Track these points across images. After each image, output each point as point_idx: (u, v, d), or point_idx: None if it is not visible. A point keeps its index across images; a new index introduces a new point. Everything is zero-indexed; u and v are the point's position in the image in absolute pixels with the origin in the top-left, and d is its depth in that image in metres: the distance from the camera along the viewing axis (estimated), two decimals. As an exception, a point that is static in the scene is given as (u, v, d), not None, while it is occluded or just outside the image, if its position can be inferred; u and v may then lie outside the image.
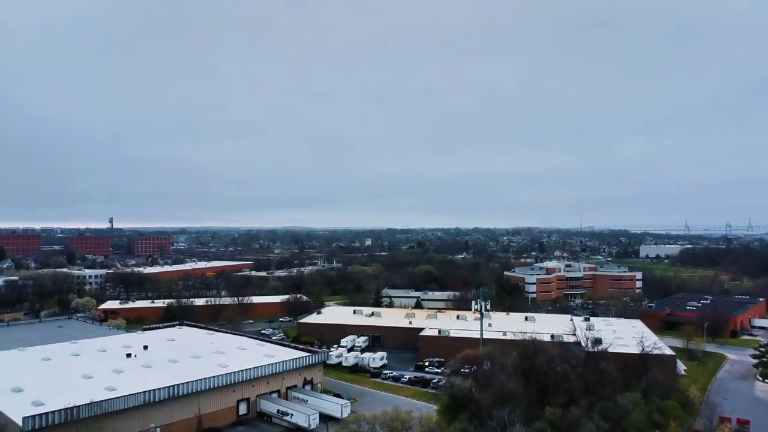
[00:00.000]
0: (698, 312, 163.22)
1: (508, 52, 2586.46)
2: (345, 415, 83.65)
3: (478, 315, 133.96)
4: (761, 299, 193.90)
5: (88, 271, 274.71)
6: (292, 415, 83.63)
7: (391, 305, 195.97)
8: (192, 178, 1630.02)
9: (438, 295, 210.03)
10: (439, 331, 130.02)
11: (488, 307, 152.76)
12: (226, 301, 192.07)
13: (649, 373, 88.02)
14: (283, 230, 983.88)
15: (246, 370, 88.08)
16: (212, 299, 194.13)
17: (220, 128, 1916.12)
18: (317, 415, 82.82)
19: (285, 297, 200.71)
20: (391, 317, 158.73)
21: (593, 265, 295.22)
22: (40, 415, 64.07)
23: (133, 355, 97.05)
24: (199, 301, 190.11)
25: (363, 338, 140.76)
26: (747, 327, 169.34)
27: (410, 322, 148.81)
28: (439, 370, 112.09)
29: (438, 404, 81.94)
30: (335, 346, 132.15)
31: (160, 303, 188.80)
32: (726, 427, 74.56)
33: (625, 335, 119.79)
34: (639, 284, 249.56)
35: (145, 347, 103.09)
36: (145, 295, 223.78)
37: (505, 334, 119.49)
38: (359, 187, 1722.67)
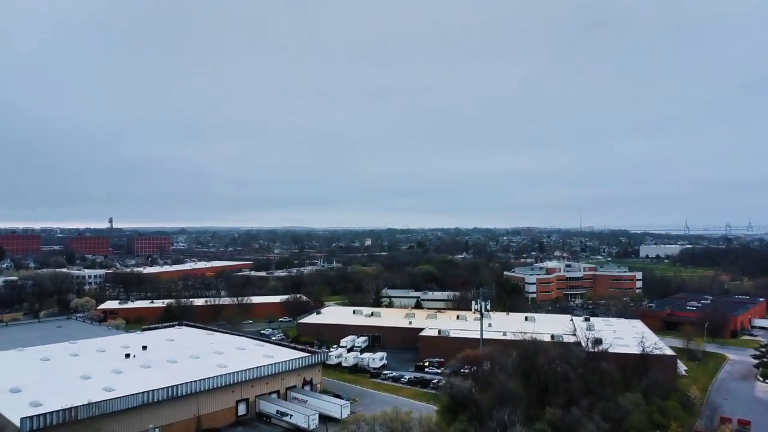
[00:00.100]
0: (698, 312, 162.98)
1: (508, 53, 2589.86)
2: (344, 415, 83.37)
3: (478, 315, 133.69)
4: (761, 299, 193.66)
5: (87, 271, 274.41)
6: (291, 415, 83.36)
7: (390, 305, 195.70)
8: (192, 178, 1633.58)
9: (438, 295, 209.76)
10: (439, 332, 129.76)
11: (488, 307, 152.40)
12: (226, 301, 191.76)
13: (649, 374, 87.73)
14: (282, 230, 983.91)
15: (245, 370, 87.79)
16: (212, 299, 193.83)
17: (220, 128, 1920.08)
18: (316, 416, 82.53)
19: (285, 297, 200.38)
20: (390, 317, 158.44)
21: (593, 265, 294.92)
22: (38, 415, 63.77)
23: (132, 356, 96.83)
24: (199, 301, 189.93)
25: (363, 338, 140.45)
26: (747, 327, 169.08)
27: (410, 323, 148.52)
28: (439, 371, 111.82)
29: (438, 405, 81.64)
30: (335, 346, 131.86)
31: (159, 303, 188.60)
32: (727, 427, 74.35)
33: (626, 335, 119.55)
34: (639, 284, 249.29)
35: (144, 347, 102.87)
36: (144, 295, 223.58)
37: (505, 334, 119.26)
38: (359, 187, 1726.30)
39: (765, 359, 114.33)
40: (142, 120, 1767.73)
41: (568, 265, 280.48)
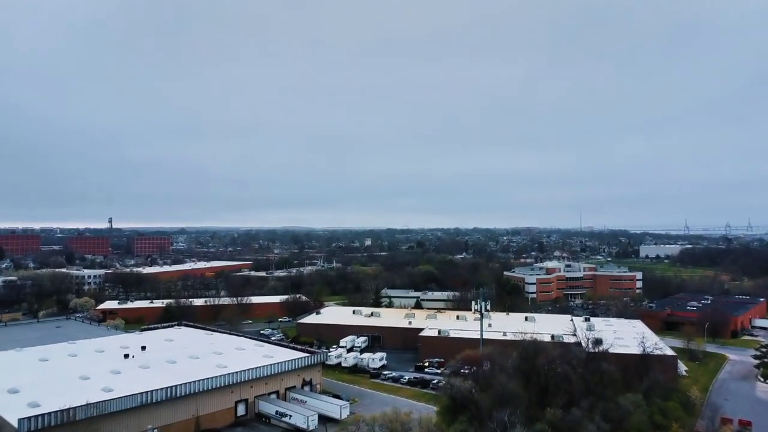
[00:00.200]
0: (699, 312, 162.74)
1: (508, 52, 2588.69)
2: (344, 416, 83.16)
3: (477, 315, 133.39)
4: (761, 299, 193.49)
5: (87, 271, 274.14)
6: (290, 416, 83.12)
7: (390, 305, 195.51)
8: (192, 178, 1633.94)
9: (438, 295, 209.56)
10: (439, 332, 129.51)
11: (488, 307, 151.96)
12: (225, 301, 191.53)
13: (650, 374, 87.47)
14: (282, 230, 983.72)
15: (244, 370, 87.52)
16: (211, 299, 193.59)
17: (220, 128, 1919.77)
18: (316, 417, 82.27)
19: (284, 297, 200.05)
20: (390, 317, 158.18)
21: (593, 265, 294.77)
22: (36, 416, 63.50)
23: (130, 356, 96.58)
24: (198, 302, 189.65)
25: (362, 339, 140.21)
26: (748, 327, 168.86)
27: (410, 323, 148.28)
28: (438, 371, 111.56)
29: (438, 405, 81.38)
30: (334, 346, 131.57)
31: (158, 303, 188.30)
32: (728, 428, 74.27)
33: (626, 336, 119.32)
34: (639, 284, 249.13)
35: (143, 348, 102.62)
36: (144, 295, 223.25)
37: (505, 334, 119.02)
38: (359, 187, 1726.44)
39: (765, 359, 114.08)
40: (142, 120, 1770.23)
41: (568, 266, 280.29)
